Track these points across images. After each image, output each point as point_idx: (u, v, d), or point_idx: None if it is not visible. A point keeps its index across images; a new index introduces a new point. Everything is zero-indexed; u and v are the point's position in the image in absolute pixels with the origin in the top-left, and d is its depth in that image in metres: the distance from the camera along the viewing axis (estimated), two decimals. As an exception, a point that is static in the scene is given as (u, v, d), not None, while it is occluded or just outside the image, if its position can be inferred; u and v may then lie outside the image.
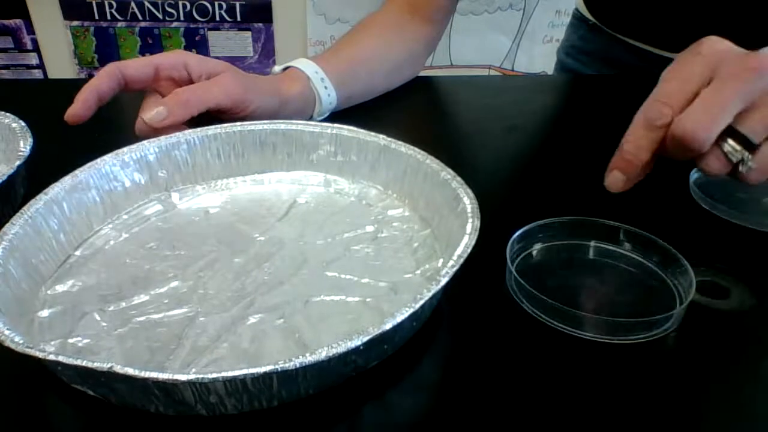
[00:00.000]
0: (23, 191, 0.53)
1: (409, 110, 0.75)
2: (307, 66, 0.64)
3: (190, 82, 0.57)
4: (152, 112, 0.52)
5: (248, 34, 1.83)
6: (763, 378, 0.38)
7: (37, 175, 0.52)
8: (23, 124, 0.54)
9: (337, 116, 0.67)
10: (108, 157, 0.49)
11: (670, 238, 0.45)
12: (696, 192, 0.55)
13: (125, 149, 0.50)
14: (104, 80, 0.54)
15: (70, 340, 0.38)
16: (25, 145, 0.51)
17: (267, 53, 1.86)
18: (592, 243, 0.47)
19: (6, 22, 1.70)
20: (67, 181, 0.46)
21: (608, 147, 0.66)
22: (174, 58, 0.56)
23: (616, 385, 0.37)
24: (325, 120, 0.65)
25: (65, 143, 0.61)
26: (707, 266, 0.45)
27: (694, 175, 0.57)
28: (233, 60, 1.84)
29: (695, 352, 0.39)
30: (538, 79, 0.79)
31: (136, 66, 0.55)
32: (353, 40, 0.73)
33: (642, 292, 0.44)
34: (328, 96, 0.64)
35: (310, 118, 0.65)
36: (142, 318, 0.40)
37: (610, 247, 0.47)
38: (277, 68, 0.65)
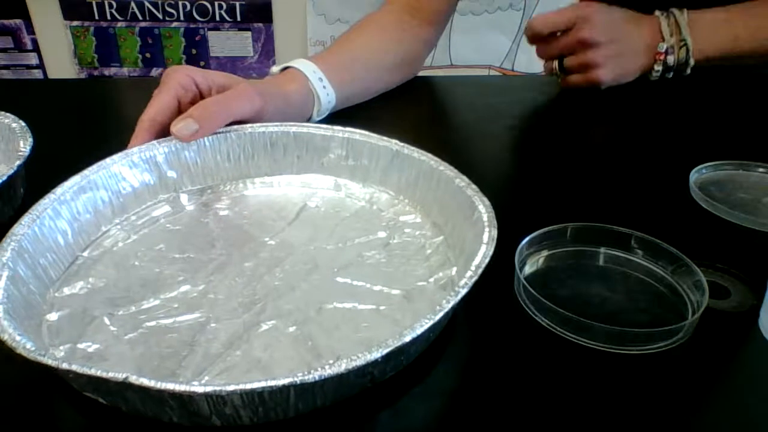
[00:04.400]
0: (23, 191, 0.52)
1: (410, 111, 0.74)
2: (305, 66, 0.64)
3: (200, 96, 0.56)
4: (180, 123, 0.50)
5: (248, 34, 1.82)
6: (764, 378, 0.38)
7: (36, 175, 0.52)
8: (23, 124, 0.54)
9: (341, 118, 0.66)
10: (117, 157, 0.48)
11: (671, 238, 0.45)
12: (696, 192, 0.55)
13: (135, 149, 0.49)
14: (146, 139, 0.52)
15: (80, 345, 0.37)
16: (24, 145, 0.51)
17: (267, 53, 1.85)
18: (602, 249, 0.47)
19: (6, 22, 1.69)
20: (75, 180, 0.45)
21: (609, 148, 0.66)
22: (184, 81, 0.54)
23: (625, 391, 0.36)
24: (325, 122, 0.64)
25: (65, 143, 0.60)
26: (707, 266, 0.45)
27: (694, 175, 0.56)
28: (233, 60, 1.83)
29: (695, 352, 0.39)
30: (538, 79, 0.79)
31: (163, 109, 0.53)
32: (351, 40, 0.73)
33: (653, 300, 0.44)
34: (327, 95, 0.64)
35: (309, 119, 0.64)
36: (153, 323, 0.39)
37: (620, 254, 0.47)
38: (275, 69, 0.65)
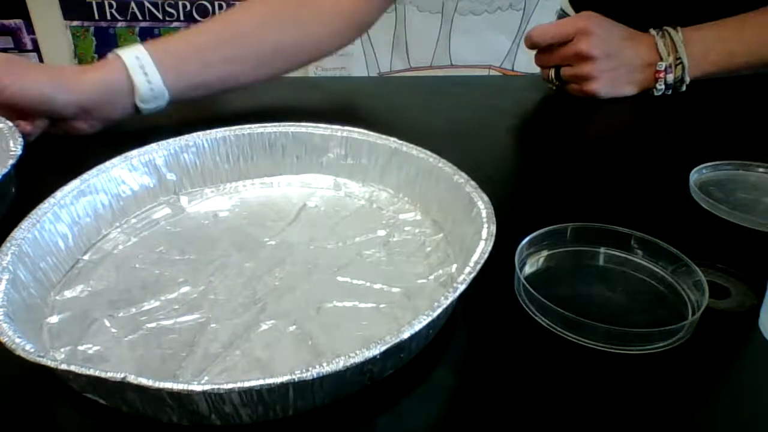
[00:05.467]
0: (14, 191, 0.52)
1: (409, 111, 0.74)
2: (127, 51, 0.59)
3: None
4: None
5: (248, 34, 1.82)
6: (764, 378, 0.38)
7: (27, 174, 0.52)
8: (10, 124, 0.54)
9: (339, 117, 0.66)
10: (116, 161, 0.48)
11: (671, 238, 0.45)
12: (696, 192, 0.55)
13: (134, 152, 0.49)
14: None
15: (81, 347, 0.37)
16: (15, 145, 0.51)
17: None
18: (602, 249, 0.47)
19: (6, 22, 1.69)
20: (74, 184, 0.45)
21: (609, 148, 0.66)
22: None
23: (625, 391, 0.36)
24: (323, 121, 0.63)
25: (57, 143, 0.60)
26: (707, 266, 0.45)
27: (694, 175, 0.56)
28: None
29: (695, 352, 0.39)
30: (538, 79, 0.79)
31: None
32: (224, 18, 0.68)
33: (653, 300, 0.44)
34: (147, 84, 0.59)
35: (138, 110, 0.61)
36: (153, 324, 0.39)
37: (620, 254, 0.47)
38: (110, 54, 0.60)
